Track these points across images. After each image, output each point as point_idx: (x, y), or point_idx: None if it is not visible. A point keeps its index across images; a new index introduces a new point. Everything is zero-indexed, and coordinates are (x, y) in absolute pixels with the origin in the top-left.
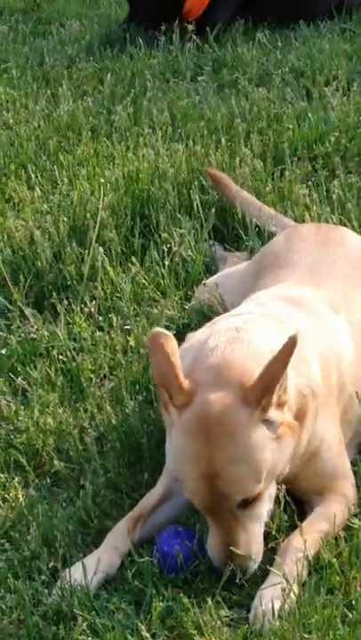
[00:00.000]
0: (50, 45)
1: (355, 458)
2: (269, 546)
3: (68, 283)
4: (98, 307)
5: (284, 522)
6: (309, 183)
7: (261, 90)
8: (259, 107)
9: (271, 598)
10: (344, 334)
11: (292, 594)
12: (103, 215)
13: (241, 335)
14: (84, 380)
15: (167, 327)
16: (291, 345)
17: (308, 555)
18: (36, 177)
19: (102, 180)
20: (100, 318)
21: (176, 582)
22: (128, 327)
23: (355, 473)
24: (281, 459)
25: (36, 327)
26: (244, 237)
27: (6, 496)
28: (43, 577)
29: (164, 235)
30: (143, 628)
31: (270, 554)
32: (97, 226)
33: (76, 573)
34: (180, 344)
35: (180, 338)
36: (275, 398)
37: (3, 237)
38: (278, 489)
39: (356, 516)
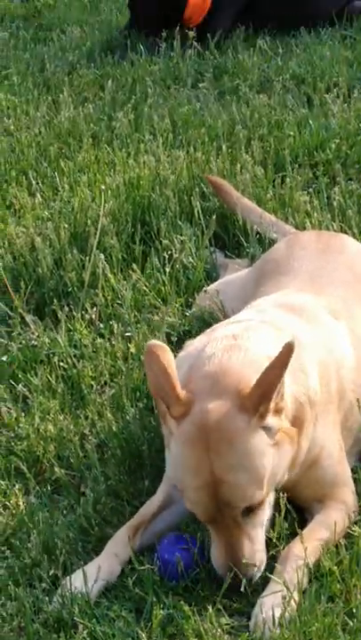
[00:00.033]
0: (51, 52)
1: (355, 465)
2: (270, 553)
3: (69, 289)
4: (99, 313)
5: (285, 529)
6: (310, 190)
7: (262, 96)
8: (260, 113)
9: (272, 606)
10: (345, 341)
11: (292, 601)
12: (104, 222)
13: (238, 342)
14: (84, 386)
15: (168, 334)
16: (287, 351)
17: (309, 562)
18: (37, 183)
19: (103, 187)
20: (101, 325)
21: (177, 590)
22: (129, 334)
23: (355, 480)
24: (280, 465)
25: (36, 334)
26: (245, 244)
27: (7, 503)
28: (43, 584)
29: (165, 241)
30: (144, 635)
31: (271, 561)
32: (98, 232)
33: (76, 581)
34: (179, 351)
35: (181, 345)
36: (272, 405)
37: (4, 244)
38: (280, 496)
39: (356, 523)
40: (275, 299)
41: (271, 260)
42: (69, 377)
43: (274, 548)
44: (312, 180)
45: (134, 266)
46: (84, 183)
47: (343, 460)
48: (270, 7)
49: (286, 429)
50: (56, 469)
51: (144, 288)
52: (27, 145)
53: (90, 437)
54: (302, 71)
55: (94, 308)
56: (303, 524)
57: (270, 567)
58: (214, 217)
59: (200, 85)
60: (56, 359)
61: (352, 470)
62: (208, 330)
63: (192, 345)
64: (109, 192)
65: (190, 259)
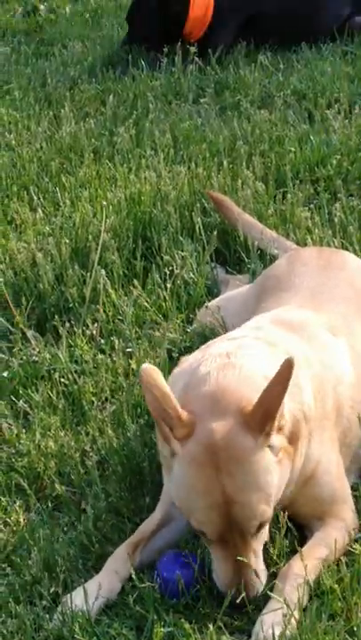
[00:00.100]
0: (52, 67)
1: (356, 482)
2: (271, 571)
3: (70, 305)
4: (100, 329)
5: (285, 547)
6: (311, 206)
7: (263, 112)
8: (261, 129)
9: (272, 624)
10: (343, 358)
11: (293, 620)
12: (105, 237)
13: (232, 360)
14: (85, 403)
15: (169, 350)
16: (288, 368)
17: (309, 580)
18: (39, 199)
19: (104, 202)
20: (102, 341)
21: (177, 607)
22: (130, 350)
23: (356, 498)
24: (282, 481)
25: (37, 350)
26: (246, 260)
27: (7, 520)
28: (44, 602)
29: (166, 257)
30: None
31: (271, 579)
32: (99, 248)
33: (77, 599)
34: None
35: None
36: (276, 423)
37: (5, 259)
38: (280, 513)
39: (357, 541)
40: (272, 315)
41: (272, 277)
42: (70, 393)
43: (275, 566)
44: (313, 195)
45: (135, 281)
46: (85, 198)
47: (342, 476)
48: (271, 23)
49: (286, 446)
50: (57, 486)
51: (145, 304)
52: (28, 160)
53: (91, 454)
54: (303, 87)
55: (95, 324)
56: (304, 541)
57: (270, 585)
58: (215, 233)
59: (201, 101)
60: (57, 375)
61: (352, 488)
62: (203, 346)
63: (187, 361)
64: (110, 207)
65: (191, 274)
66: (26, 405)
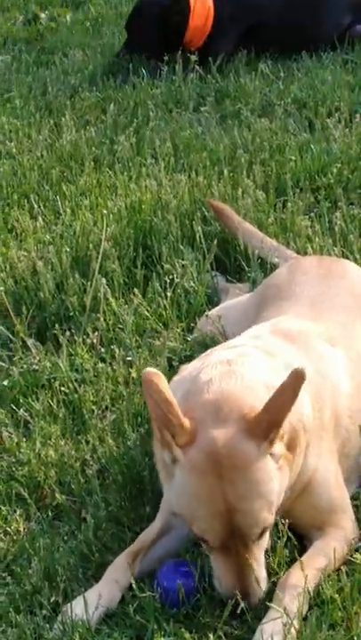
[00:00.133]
0: (53, 75)
1: (356, 491)
2: (271, 580)
3: (71, 314)
4: (100, 338)
5: (285, 556)
6: (312, 215)
7: (264, 121)
8: (261, 138)
9: (272, 633)
10: (340, 368)
11: (292, 629)
12: (106, 246)
13: (233, 368)
14: (85, 411)
15: (169, 359)
16: (298, 378)
17: (309, 589)
18: (39, 207)
19: (105, 211)
20: (102, 350)
21: (178, 617)
22: (130, 359)
23: (356, 507)
24: (282, 488)
25: (38, 358)
26: (247, 269)
27: (8, 529)
28: (44, 611)
29: (167, 266)
30: None
31: (271, 588)
32: (99, 257)
33: (77, 608)
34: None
35: None
36: (281, 431)
37: (5, 268)
38: (282, 523)
39: (357, 550)
40: (271, 325)
41: (273, 286)
42: (71, 402)
43: (275, 575)
44: (314, 204)
45: (136, 290)
46: (85, 207)
47: (340, 486)
48: (272, 32)
49: (286, 453)
50: (57, 495)
51: (145, 312)
52: (29, 168)
53: (91, 463)
54: (304, 95)
55: (96, 333)
56: (304, 551)
57: (270, 594)
58: (216, 241)
59: (202, 109)
60: (57, 384)
61: (353, 497)
62: (202, 355)
63: (186, 370)
64: (111, 216)
65: (192, 283)
66: (26, 414)
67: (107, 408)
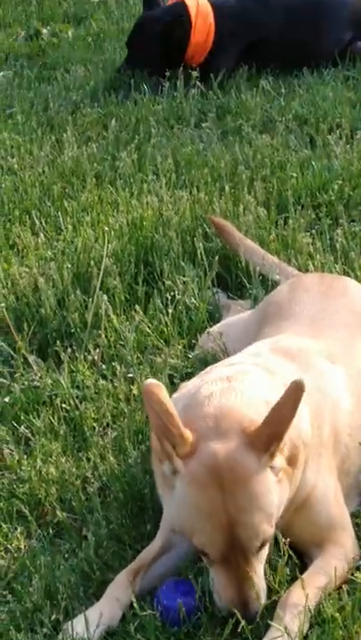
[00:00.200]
0: (54, 91)
1: (357, 509)
2: (271, 599)
3: (72, 330)
4: (101, 355)
5: (286, 575)
6: (313, 231)
7: (265, 137)
8: (262, 154)
9: None
10: (340, 385)
11: None
12: (107, 262)
13: (233, 384)
14: (87, 428)
15: (170, 376)
16: (298, 390)
17: (310, 607)
18: (41, 223)
19: (106, 227)
20: (104, 366)
21: (178, 635)
22: (131, 375)
23: (357, 525)
24: (282, 501)
25: (39, 375)
26: (248, 286)
27: (8, 546)
28: (45, 629)
29: (168, 282)
30: None
31: (272, 606)
32: (101, 273)
33: (78, 626)
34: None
35: None
36: (282, 445)
37: (7, 284)
38: (284, 542)
39: (358, 568)
40: (271, 342)
41: (274, 303)
42: (72, 419)
43: (276, 594)
44: (315, 221)
45: (137, 307)
46: (87, 223)
47: (340, 503)
48: (273, 48)
49: (286, 467)
50: (58, 512)
51: (147, 329)
52: (30, 184)
53: (92, 480)
54: (305, 112)
55: (97, 349)
56: (304, 569)
57: (271, 612)
58: (217, 258)
59: (203, 125)
60: (58, 400)
61: (353, 515)
62: (202, 372)
63: (186, 387)
64: (112, 232)
65: (193, 300)
66: (27, 431)
67: (108, 425)
